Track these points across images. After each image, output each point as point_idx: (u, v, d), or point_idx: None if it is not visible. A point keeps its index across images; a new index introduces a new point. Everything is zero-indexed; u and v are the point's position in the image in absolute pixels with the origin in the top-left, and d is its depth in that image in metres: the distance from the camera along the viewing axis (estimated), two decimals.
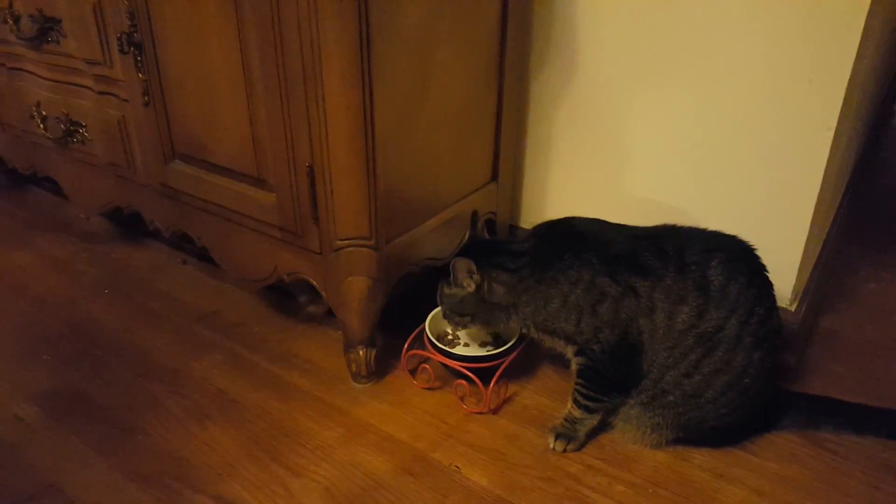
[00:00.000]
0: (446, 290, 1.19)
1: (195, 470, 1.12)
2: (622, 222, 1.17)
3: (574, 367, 1.15)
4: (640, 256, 1.07)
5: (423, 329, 1.31)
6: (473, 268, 1.13)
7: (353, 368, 1.29)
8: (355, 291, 1.21)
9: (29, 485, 1.10)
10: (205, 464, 1.13)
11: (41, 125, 1.58)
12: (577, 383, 1.14)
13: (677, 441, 1.15)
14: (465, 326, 1.24)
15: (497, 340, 1.33)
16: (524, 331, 1.19)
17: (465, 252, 1.18)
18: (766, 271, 1.11)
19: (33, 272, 1.69)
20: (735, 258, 1.08)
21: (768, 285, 1.10)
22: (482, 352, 1.29)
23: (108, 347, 1.41)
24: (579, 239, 1.12)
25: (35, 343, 1.43)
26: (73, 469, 1.13)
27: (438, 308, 1.28)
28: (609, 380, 1.11)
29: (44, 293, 1.60)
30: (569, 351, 1.14)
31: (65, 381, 1.32)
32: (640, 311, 1.06)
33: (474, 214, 1.32)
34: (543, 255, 1.13)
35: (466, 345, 1.33)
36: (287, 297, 1.55)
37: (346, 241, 1.18)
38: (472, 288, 1.15)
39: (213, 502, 1.06)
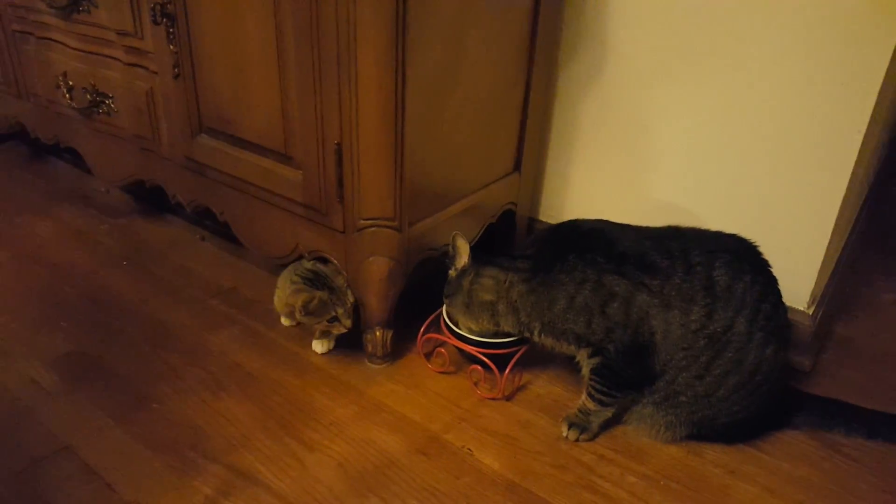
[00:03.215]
0: (447, 262, 1.25)
1: (209, 440, 1.13)
2: (642, 221, 1.17)
3: (587, 368, 1.14)
4: (648, 256, 1.07)
5: (441, 313, 1.31)
6: (467, 254, 1.19)
7: (370, 349, 1.29)
8: (376, 272, 1.21)
9: (43, 446, 1.11)
10: (219, 434, 1.14)
11: (67, 95, 1.59)
12: (591, 379, 1.13)
13: (690, 437, 1.15)
14: (450, 306, 1.26)
15: None
16: (526, 334, 1.18)
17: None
18: (770, 267, 1.11)
19: (53, 242, 1.70)
20: (738, 257, 1.08)
21: (773, 281, 1.11)
22: (498, 339, 1.29)
23: (126, 317, 1.42)
24: (583, 239, 1.12)
25: (53, 310, 1.44)
26: (88, 433, 1.14)
27: None
28: (623, 378, 1.11)
29: (63, 262, 1.61)
30: (581, 354, 1.14)
31: (81, 348, 1.33)
32: (654, 309, 1.06)
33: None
34: (545, 257, 1.13)
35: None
36: None
37: (370, 221, 1.18)
38: (456, 269, 1.21)
39: (226, 472, 1.07)
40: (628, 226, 1.15)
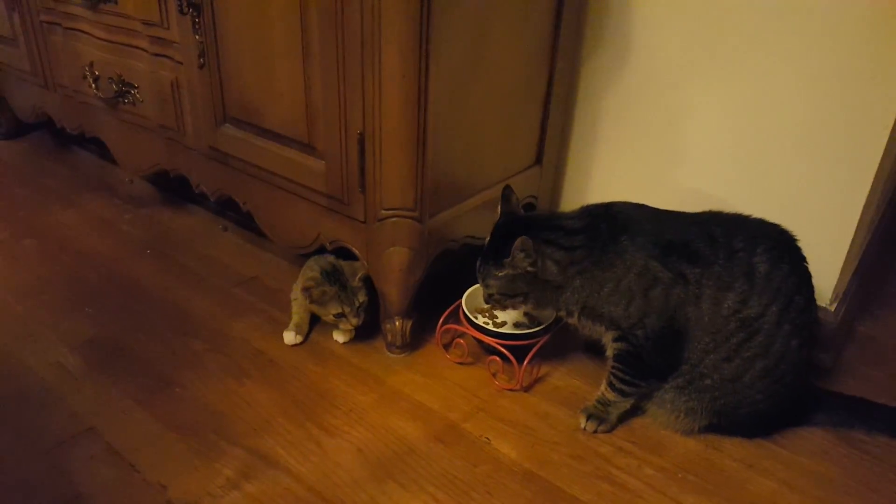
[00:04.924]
0: (497, 272, 1.12)
1: (231, 424, 1.14)
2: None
3: (611, 351, 1.14)
4: (693, 243, 1.07)
5: (460, 305, 1.32)
6: (530, 246, 1.07)
7: (389, 338, 1.30)
8: (396, 262, 1.22)
9: (69, 427, 1.13)
10: (241, 418, 1.15)
11: (93, 85, 1.61)
12: (613, 367, 1.13)
13: (709, 428, 1.15)
14: (515, 307, 1.18)
15: (531, 321, 1.33)
16: (563, 314, 1.15)
17: (518, 227, 1.12)
18: (806, 262, 1.10)
19: (78, 230, 1.73)
20: (779, 246, 1.08)
21: (808, 276, 1.10)
22: (517, 331, 1.29)
23: (149, 304, 1.44)
24: (633, 223, 1.10)
25: (78, 296, 1.46)
26: (112, 416, 1.16)
27: (476, 285, 1.28)
28: (648, 365, 1.11)
29: (88, 250, 1.63)
30: (608, 336, 1.13)
31: (106, 333, 1.35)
32: (688, 300, 1.06)
33: (507, 189, 1.19)
34: (600, 236, 1.10)
35: (503, 323, 1.34)
36: None
37: (391, 212, 1.19)
38: (528, 266, 1.09)
39: (247, 455, 1.09)
40: (673, 212, 1.14)
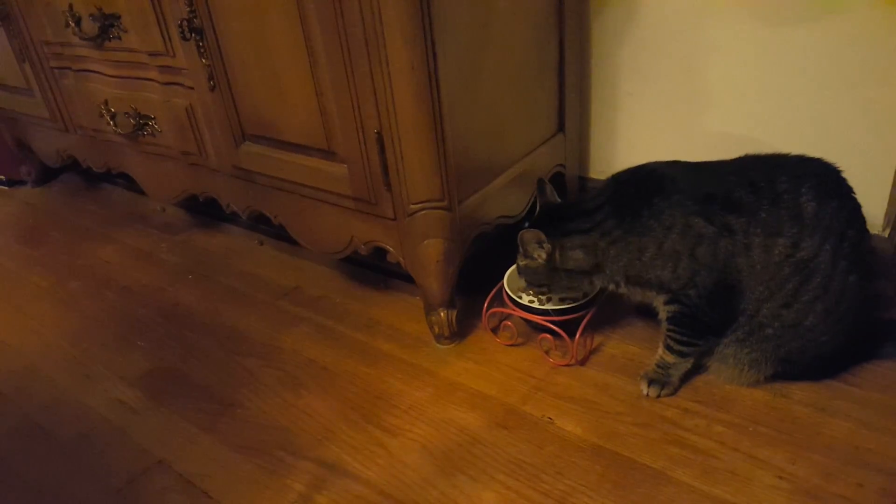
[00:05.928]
0: (520, 262, 1.17)
1: (295, 437, 1.15)
2: (699, 159, 1.13)
3: (664, 314, 1.11)
4: (734, 192, 1.03)
5: (502, 286, 1.30)
6: (542, 237, 1.09)
7: (436, 330, 1.30)
8: (432, 254, 1.21)
9: (139, 462, 1.15)
10: (304, 430, 1.16)
11: (111, 122, 1.63)
12: (669, 330, 1.11)
13: (775, 377, 1.11)
14: (544, 294, 1.26)
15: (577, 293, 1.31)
16: (611, 287, 1.14)
17: (533, 223, 1.15)
18: (854, 193, 1.06)
19: (118, 265, 1.76)
20: (824, 182, 1.03)
21: (857, 207, 1.05)
22: (563, 305, 1.27)
23: (198, 328, 1.46)
24: (666, 181, 1.06)
25: (128, 330, 1.49)
26: (179, 445, 1.17)
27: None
28: (705, 324, 1.08)
29: (131, 283, 1.66)
30: (658, 299, 1.11)
31: (160, 364, 1.37)
32: (737, 251, 1.02)
33: (540, 181, 1.22)
34: (629, 203, 1.07)
35: (549, 299, 1.32)
36: (363, 268, 1.57)
37: (420, 205, 1.18)
38: (542, 259, 1.12)
39: (315, 466, 1.09)
40: (708, 163, 1.09)
